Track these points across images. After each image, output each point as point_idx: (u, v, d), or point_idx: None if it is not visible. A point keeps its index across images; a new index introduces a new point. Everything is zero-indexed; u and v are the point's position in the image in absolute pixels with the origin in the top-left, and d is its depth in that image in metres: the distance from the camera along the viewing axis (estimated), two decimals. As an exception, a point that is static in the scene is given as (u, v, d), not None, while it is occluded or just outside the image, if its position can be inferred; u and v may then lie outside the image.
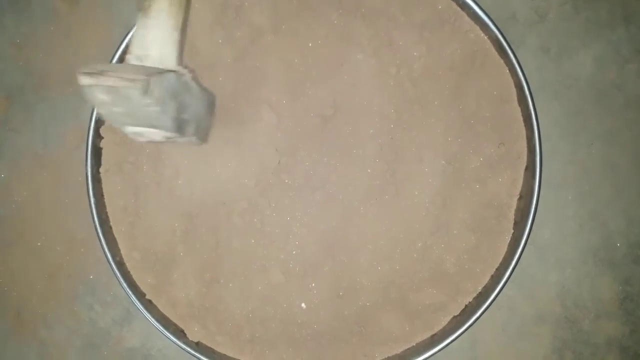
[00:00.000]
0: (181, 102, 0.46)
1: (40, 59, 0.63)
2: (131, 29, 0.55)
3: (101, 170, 0.56)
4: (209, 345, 0.56)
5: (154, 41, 0.45)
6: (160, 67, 0.45)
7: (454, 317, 0.55)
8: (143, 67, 0.44)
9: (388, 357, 0.55)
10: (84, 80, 0.41)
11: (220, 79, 0.55)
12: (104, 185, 0.56)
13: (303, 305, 0.55)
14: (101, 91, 0.41)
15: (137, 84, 0.41)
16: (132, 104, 0.42)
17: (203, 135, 0.52)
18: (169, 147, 0.55)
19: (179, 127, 0.47)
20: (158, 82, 0.42)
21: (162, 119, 0.44)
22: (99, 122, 0.56)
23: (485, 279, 0.55)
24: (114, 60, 0.55)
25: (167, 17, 0.46)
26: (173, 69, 0.46)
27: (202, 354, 0.55)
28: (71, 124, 0.62)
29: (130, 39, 0.45)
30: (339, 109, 0.55)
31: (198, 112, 0.50)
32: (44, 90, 0.62)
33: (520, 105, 0.55)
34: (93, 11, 0.63)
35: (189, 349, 0.55)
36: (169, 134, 0.46)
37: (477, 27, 0.56)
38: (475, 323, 0.54)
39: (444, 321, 0.55)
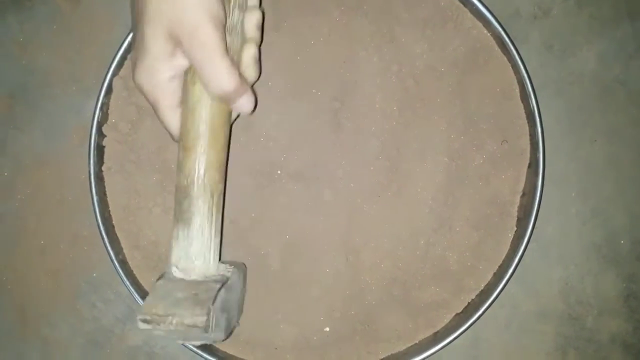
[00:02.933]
0: (230, 307, 0.46)
1: (43, 58, 0.63)
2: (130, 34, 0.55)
3: (103, 168, 0.56)
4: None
5: (199, 252, 0.44)
6: (206, 276, 0.44)
7: (457, 314, 0.55)
8: (191, 287, 0.43)
9: (391, 354, 0.55)
10: (142, 326, 0.41)
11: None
12: (106, 184, 0.56)
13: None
14: (160, 332, 0.41)
15: (199, 327, 0.41)
16: (190, 335, 0.42)
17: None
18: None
19: (228, 331, 0.47)
20: (216, 309, 0.42)
21: (217, 334, 0.44)
22: (102, 121, 0.56)
23: (488, 276, 0.55)
24: (116, 60, 0.55)
25: (209, 225, 0.44)
26: (219, 274, 0.45)
27: (204, 352, 0.55)
28: (74, 122, 0.62)
29: (171, 249, 0.45)
30: (342, 107, 0.55)
31: (240, 302, 0.50)
32: (47, 88, 0.62)
33: (523, 102, 0.55)
34: (95, 10, 0.63)
35: (191, 347, 0.55)
36: (220, 339, 0.46)
37: (480, 24, 0.55)
38: (478, 320, 0.54)
39: (447, 319, 0.55)
